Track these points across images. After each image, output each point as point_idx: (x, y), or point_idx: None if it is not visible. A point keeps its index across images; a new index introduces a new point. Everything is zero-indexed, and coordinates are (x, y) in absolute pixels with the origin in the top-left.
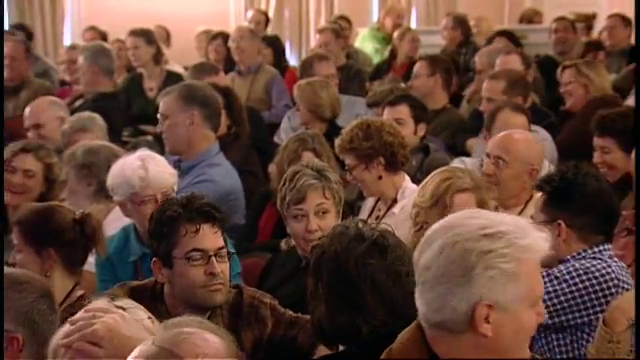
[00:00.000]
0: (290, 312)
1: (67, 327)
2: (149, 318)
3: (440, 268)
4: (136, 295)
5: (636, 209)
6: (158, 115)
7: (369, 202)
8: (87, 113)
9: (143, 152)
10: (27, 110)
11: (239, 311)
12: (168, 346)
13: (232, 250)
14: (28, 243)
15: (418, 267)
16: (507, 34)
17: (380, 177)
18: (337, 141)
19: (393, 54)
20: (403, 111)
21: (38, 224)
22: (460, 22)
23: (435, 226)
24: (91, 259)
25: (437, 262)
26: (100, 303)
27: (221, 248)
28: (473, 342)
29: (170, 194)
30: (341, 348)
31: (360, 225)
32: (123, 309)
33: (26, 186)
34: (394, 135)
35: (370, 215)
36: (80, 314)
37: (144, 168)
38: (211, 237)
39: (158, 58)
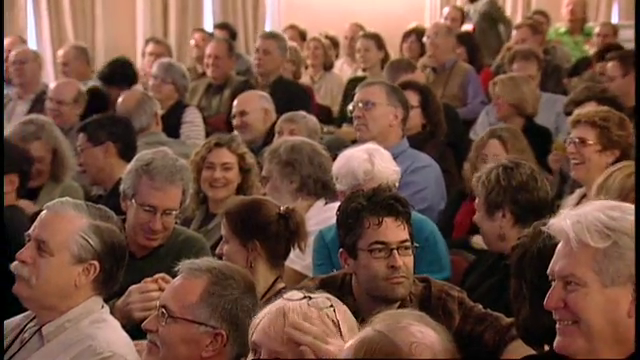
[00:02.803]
0: (479, 307)
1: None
2: (331, 306)
3: None
4: (324, 287)
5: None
6: (358, 102)
7: (570, 200)
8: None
9: (370, 146)
10: (236, 100)
11: (427, 304)
12: (386, 332)
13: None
14: (235, 234)
15: None
16: None
17: (607, 166)
18: (583, 112)
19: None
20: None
21: (245, 216)
22: None
23: None
24: (292, 255)
25: None
26: (294, 295)
27: (404, 241)
28: None
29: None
30: (546, 348)
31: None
32: (309, 298)
33: (227, 179)
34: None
35: None
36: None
37: (370, 162)
38: (394, 230)
39: (384, 64)
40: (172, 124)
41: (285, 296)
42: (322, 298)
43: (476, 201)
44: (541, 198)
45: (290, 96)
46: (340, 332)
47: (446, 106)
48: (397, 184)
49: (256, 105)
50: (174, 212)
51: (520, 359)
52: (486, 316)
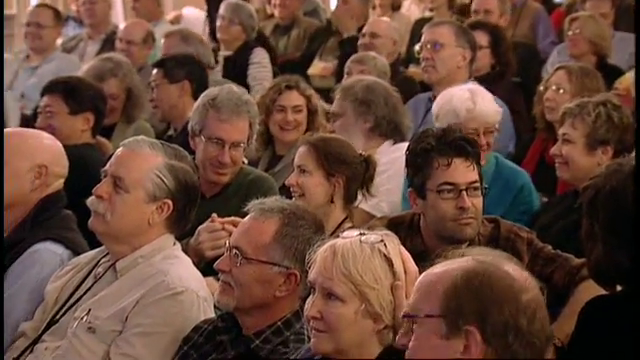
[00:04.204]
0: (549, 248)
1: None
2: (381, 241)
3: None
4: (393, 227)
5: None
6: (425, 43)
7: None
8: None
9: (473, 86)
10: (370, 21)
11: (495, 244)
12: (488, 262)
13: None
14: (321, 166)
15: None
16: None
17: None
18: None
19: None
20: None
21: (336, 150)
22: None
23: None
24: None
25: None
26: (351, 232)
27: (473, 182)
28: None
29: (492, 130)
30: (618, 288)
31: (634, 162)
32: (362, 234)
33: (297, 121)
34: None
35: None
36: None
37: (473, 101)
38: (463, 171)
39: (452, 3)
40: (240, 65)
41: (342, 234)
42: (375, 235)
43: (562, 130)
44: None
45: None
46: (392, 266)
47: (516, 45)
48: (497, 125)
49: (388, 32)
50: (242, 145)
51: (592, 299)
52: (556, 257)
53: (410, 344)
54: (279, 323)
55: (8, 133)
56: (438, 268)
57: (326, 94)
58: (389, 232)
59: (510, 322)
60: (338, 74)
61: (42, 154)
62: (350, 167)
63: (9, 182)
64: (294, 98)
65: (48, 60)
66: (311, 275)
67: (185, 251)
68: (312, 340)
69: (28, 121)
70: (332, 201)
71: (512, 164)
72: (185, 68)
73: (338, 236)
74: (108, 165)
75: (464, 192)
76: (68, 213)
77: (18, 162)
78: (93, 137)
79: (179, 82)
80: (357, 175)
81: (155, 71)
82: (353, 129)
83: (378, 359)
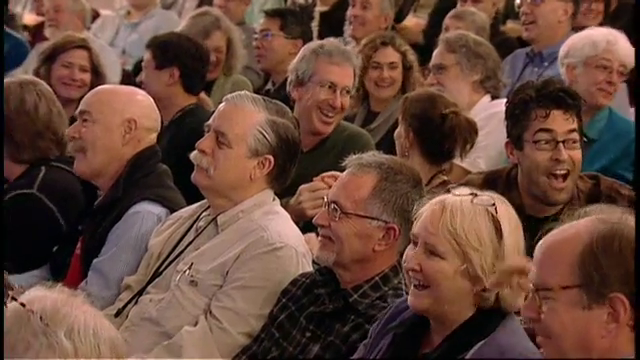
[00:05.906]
0: None
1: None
2: (493, 205)
3: None
4: (490, 182)
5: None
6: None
7: None
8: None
9: (610, 30)
10: None
11: (596, 201)
12: (618, 222)
13: None
14: (403, 119)
15: None
16: None
17: None
18: None
19: None
20: None
21: (415, 105)
22: None
23: None
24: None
25: None
26: (462, 191)
27: (571, 132)
28: None
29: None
30: None
31: None
32: (474, 195)
33: (393, 78)
34: None
35: None
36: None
37: (614, 37)
38: (561, 122)
39: None
40: (336, 21)
41: (453, 191)
42: (487, 196)
43: None
44: None
45: None
46: (500, 230)
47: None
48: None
49: None
50: (350, 92)
51: None
52: None
53: (543, 317)
54: (377, 278)
55: (103, 90)
56: (561, 233)
57: (415, 49)
58: (502, 197)
59: None
60: (428, 30)
61: (131, 109)
62: (424, 124)
63: (102, 138)
64: (389, 54)
65: (148, 16)
66: (416, 228)
67: (285, 209)
68: (410, 298)
69: (129, 77)
70: (406, 155)
71: (627, 119)
72: (302, 27)
73: (449, 191)
74: (211, 120)
75: (561, 144)
76: (164, 169)
77: (109, 117)
78: (188, 92)
79: (295, 39)
80: (435, 132)
81: (269, 20)
82: (459, 81)
83: (471, 320)
